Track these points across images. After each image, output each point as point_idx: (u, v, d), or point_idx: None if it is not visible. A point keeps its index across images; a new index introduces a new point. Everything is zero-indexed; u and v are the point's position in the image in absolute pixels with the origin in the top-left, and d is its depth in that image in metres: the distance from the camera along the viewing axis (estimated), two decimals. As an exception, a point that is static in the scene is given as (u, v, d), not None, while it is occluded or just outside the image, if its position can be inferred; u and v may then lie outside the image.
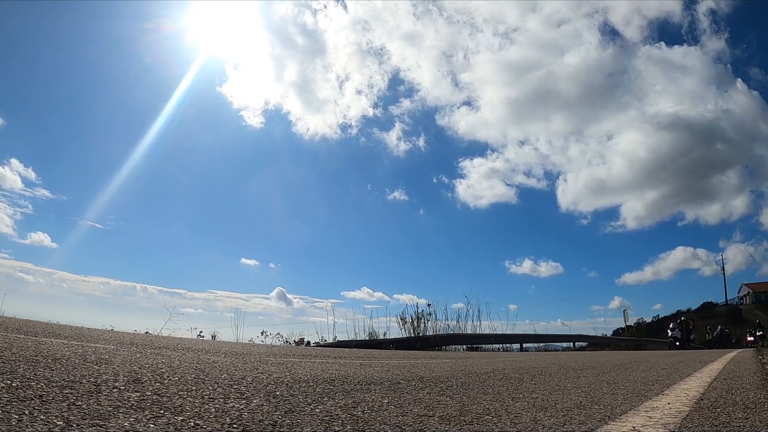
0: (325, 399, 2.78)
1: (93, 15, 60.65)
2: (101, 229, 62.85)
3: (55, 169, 64.74)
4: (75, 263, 69.62)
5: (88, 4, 62.93)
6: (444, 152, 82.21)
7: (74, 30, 60.93)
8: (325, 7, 75.63)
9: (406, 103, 73.95)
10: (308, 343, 18.01)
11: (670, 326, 30.45)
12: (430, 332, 19.08)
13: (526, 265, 78.99)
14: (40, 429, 1.64)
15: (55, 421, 1.74)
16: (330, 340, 18.33)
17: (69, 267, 64.52)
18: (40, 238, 60.84)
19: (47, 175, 60.95)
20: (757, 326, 30.96)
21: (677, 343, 28.24)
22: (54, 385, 2.39)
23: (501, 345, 21.54)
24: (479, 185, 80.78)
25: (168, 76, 73.12)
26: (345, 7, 75.53)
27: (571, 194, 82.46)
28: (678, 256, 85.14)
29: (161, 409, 2.11)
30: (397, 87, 79.02)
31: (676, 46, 75.93)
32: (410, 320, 19.33)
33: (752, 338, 30.15)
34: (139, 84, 69.48)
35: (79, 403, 2.05)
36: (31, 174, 58.87)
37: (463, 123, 77.29)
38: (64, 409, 1.91)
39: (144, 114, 72.79)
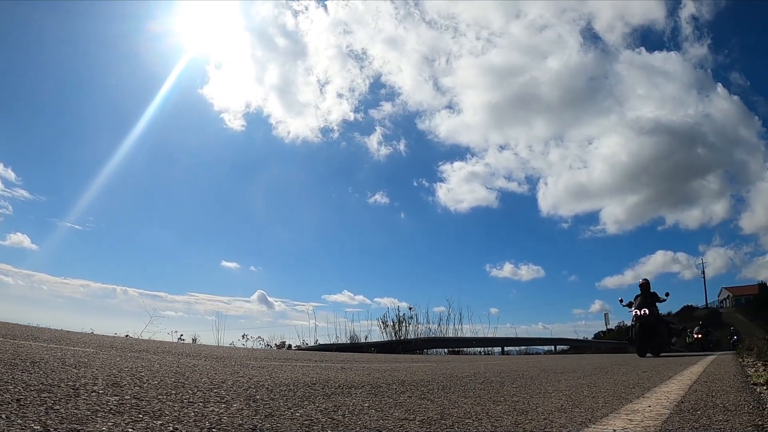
0: (306, 403, 2.77)
1: (77, 14, 60.28)
2: (81, 231, 62.33)
3: (34, 170, 64.08)
4: (55, 265, 68.79)
5: (71, 4, 62.55)
6: (424, 156, 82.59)
7: (57, 29, 60.42)
8: (306, 8, 75.56)
9: (387, 107, 74.11)
10: (289, 346, 17.92)
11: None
12: (411, 336, 19.06)
13: (507, 269, 79.45)
14: (16, 433, 1.63)
15: (33, 425, 1.72)
16: (311, 343, 18.26)
17: (49, 269, 63.89)
18: (20, 239, 60.13)
19: (27, 175, 60.33)
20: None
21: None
22: (32, 388, 2.36)
23: (482, 348, 21.56)
24: (459, 189, 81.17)
25: (151, 77, 72.90)
26: (326, 8, 75.58)
27: (551, 198, 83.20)
28: (658, 260, 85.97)
29: (140, 413, 2.09)
30: (378, 91, 79.33)
31: (657, 51, 76.87)
32: (392, 324, 19.30)
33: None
34: (122, 85, 69.18)
35: (57, 407, 2.02)
36: (11, 174, 58.18)
37: (444, 127, 77.68)
38: (41, 413, 1.89)
39: (126, 115, 72.29)
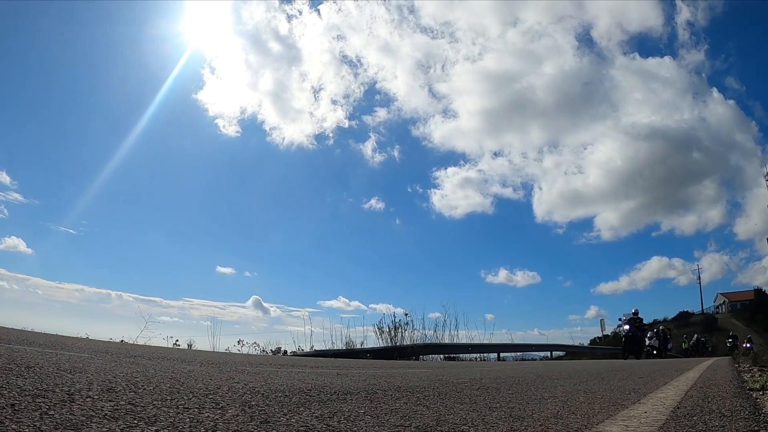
0: (301, 409, 2.76)
1: (72, 17, 60.33)
2: (75, 235, 62.36)
3: (29, 173, 64.07)
4: (49, 269, 69.08)
5: (68, 6, 62.56)
6: (419, 162, 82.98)
7: (53, 32, 60.44)
8: (300, 12, 75.60)
9: (382, 113, 74.44)
10: (285, 352, 17.90)
11: (648, 335, 30.69)
12: (407, 342, 19.00)
13: (502, 275, 79.68)
14: (10, 439, 1.62)
15: (27, 430, 1.72)
16: (307, 349, 18.21)
17: (43, 273, 64.08)
18: (15, 243, 60.16)
19: (21, 178, 60.26)
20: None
21: (654, 352, 28.46)
22: (27, 393, 2.35)
23: (478, 354, 21.53)
24: (454, 195, 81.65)
25: (146, 81, 72.96)
26: (319, 13, 75.68)
27: (546, 204, 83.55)
28: (653, 266, 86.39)
29: (135, 419, 2.08)
30: (373, 97, 79.63)
31: (654, 56, 77.23)
32: (387, 330, 19.24)
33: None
34: (118, 88, 69.04)
35: (52, 412, 2.02)
36: (6, 177, 58.08)
37: (438, 133, 78.06)
38: (36, 419, 1.88)
39: (121, 119, 72.30)
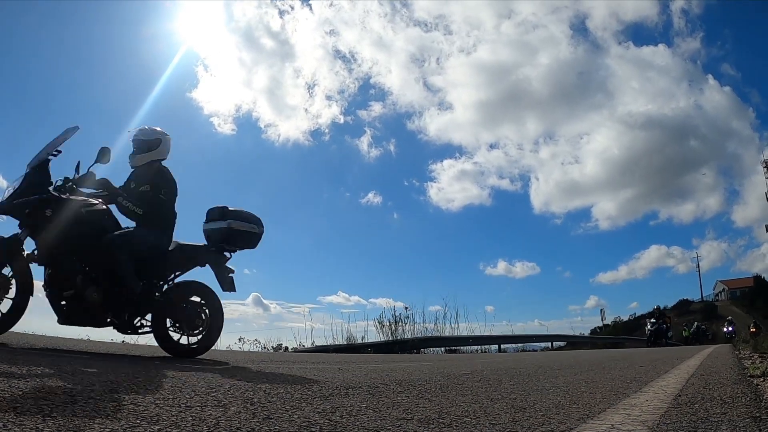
0: (304, 405, 2.77)
1: (65, 17, 60.10)
2: (73, 236, 62.15)
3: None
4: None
5: (61, 5, 62.33)
6: (415, 156, 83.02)
7: (46, 32, 60.28)
8: (292, 8, 75.39)
9: (377, 108, 74.62)
10: (286, 348, 17.89)
11: (647, 320, 30.24)
12: (408, 335, 19.00)
13: (501, 267, 79.76)
14: (13, 442, 1.62)
15: (29, 433, 1.72)
16: (308, 345, 18.20)
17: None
18: (16, 245, 59.95)
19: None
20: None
21: (653, 337, 27.76)
22: (28, 396, 2.35)
23: (479, 346, 21.54)
24: (451, 188, 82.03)
25: (140, 80, 72.67)
26: (311, 8, 75.44)
27: (543, 195, 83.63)
28: (652, 255, 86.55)
29: (137, 418, 2.08)
30: (367, 92, 79.87)
31: (649, 45, 77.22)
32: (388, 324, 19.21)
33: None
34: (112, 89, 68.99)
35: (54, 414, 2.02)
36: (1, 181, 57.97)
37: (434, 126, 78.27)
38: (39, 421, 1.88)
39: (115, 119, 72.09)
